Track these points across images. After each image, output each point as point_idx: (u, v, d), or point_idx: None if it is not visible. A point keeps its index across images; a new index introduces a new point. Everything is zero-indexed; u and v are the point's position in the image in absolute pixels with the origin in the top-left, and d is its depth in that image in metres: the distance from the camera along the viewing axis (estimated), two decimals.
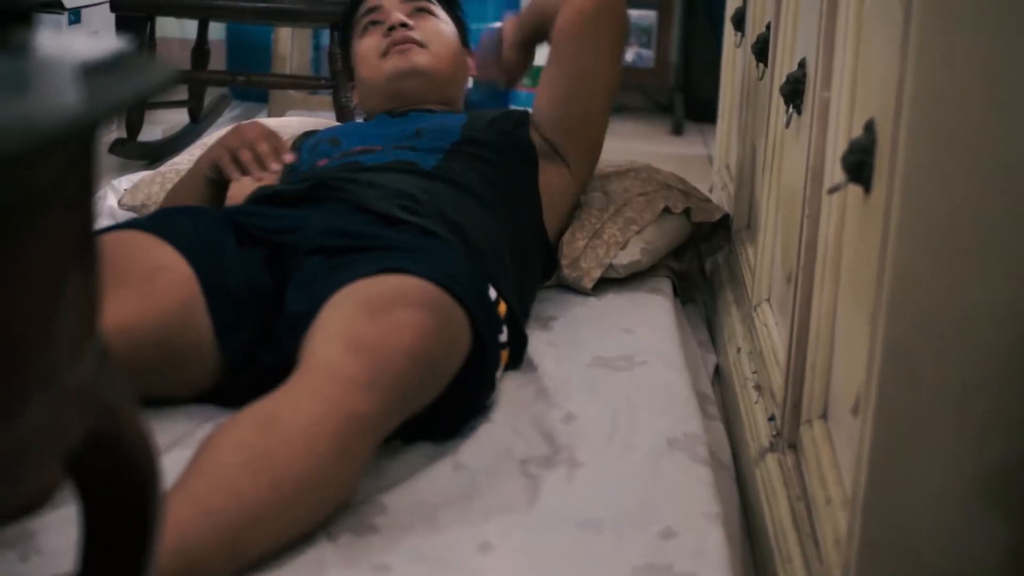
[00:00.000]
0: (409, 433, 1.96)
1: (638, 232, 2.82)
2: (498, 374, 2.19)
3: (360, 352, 1.79)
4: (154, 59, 0.98)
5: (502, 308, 2.23)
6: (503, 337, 2.21)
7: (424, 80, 2.73)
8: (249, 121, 2.48)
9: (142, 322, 1.97)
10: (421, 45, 2.73)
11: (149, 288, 2.01)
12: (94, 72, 0.86)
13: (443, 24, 2.82)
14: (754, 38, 2.67)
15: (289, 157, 2.33)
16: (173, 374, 2.06)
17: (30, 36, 0.85)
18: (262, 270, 2.15)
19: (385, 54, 2.72)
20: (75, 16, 4.35)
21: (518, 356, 2.32)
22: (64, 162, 0.88)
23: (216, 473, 1.64)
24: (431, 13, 2.80)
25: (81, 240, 0.97)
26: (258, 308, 2.11)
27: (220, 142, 2.39)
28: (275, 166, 2.30)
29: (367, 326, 1.85)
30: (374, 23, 2.78)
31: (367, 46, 2.76)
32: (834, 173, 1.72)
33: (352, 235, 2.17)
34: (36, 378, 0.91)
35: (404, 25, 2.73)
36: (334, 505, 1.75)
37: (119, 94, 0.85)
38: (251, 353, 2.08)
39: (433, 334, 1.89)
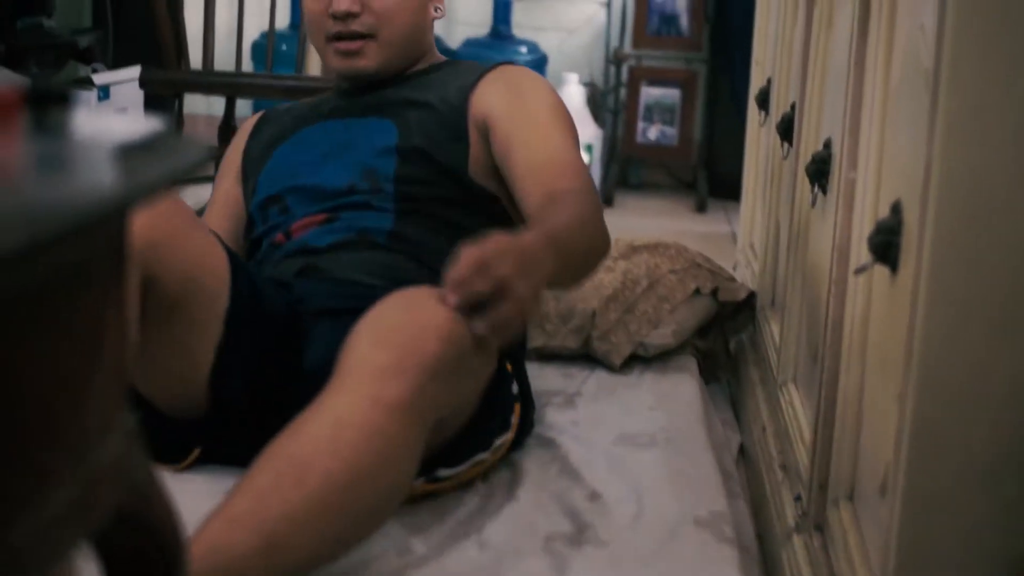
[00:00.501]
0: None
1: (670, 311, 2.83)
2: (513, 419, 2.18)
3: (388, 341, 1.74)
4: (188, 138, 0.99)
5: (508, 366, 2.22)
6: (514, 388, 2.21)
7: (373, 70, 2.42)
8: None
9: (177, 249, 2.00)
10: (368, 36, 2.39)
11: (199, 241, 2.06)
12: (130, 153, 0.87)
13: None
14: (779, 117, 2.68)
15: None
16: (182, 331, 2.05)
17: (68, 117, 0.86)
18: (285, 310, 2.16)
19: (329, 39, 2.40)
20: (104, 93, 4.39)
21: (529, 418, 2.30)
22: (99, 241, 0.89)
23: (244, 484, 1.63)
24: None
25: (114, 316, 0.98)
26: (271, 337, 2.12)
27: None
28: None
29: (397, 317, 1.79)
30: None
31: (310, 6, 2.41)
32: (860, 253, 1.73)
33: (355, 295, 2.13)
34: (68, 452, 0.91)
35: (350, 14, 2.36)
36: (380, 496, 1.70)
37: (155, 175, 0.86)
38: (241, 381, 2.08)
39: (464, 324, 1.81)
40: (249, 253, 2.38)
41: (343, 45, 2.38)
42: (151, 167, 0.88)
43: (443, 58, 2.55)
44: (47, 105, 0.85)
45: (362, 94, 2.46)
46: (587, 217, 2.08)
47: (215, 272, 2.06)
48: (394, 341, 1.74)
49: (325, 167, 2.38)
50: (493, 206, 2.37)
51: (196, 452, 2.12)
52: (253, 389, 2.08)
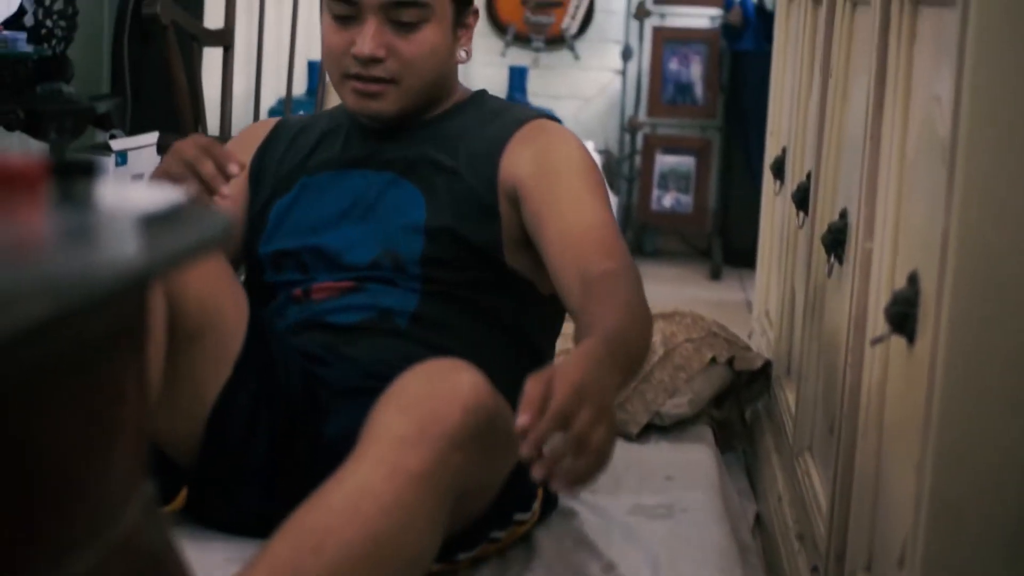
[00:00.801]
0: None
1: (686, 381, 2.83)
2: (535, 505, 2.17)
3: (411, 410, 1.72)
4: (209, 210, 1.00)
5: None
6: None
7: (391, 115, 2.24)
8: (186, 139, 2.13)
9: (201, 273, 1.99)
10: (390, 81, 2.20)
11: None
12: (153, 224, 0.88)
13: (429, 34, 2.20)
14: (794, 187, 2.69)
15: (235, 168, 2.02)
16: (205, 347, 2.02)
17: (92, 187, 0.87)
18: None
19: (347, 77, 2.22)
20: (122, 158, 4.41)
21: (552, 500, 2.28)
22: (121, 312, 0.89)
23: (263, 553, 1.61)
24: (422, 20, 2.19)
25: (134, 386, 0.98)
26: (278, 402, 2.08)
27: (158, 171, 2.08)
28: (224, 190, 2.02)
29: (421, 387, 1.76)
30: (342, 18, 2.21)
31: (331, 40, 2.23)
32: (877, 323, 1.73)
33: (377, 376, 2.05)
34: (86, 522, 0.91)
35: (374, 59, 2.18)
36: (401, 567, 1.67)
37: (177, 247, 0.87)
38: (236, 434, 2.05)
39: (491, 393, 1.79)
40: (258, 296, 2.28)
41: (362, 86, 2.20)
42: (174, 239, 0.89)
43: (467, 92, 2.36)
44: (72, 176, 0.86)
45: (381, 139, 2.28)
46: (635, 304, 1.95)
47: (234, 311, 2.05)
48: (417, 410, 1.72)
49: (346, 230, 2.25)
50: (525, 288, 2.25)
51: (184, 492, 2.09)
52: (249, 439, 2.06)
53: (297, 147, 2.36)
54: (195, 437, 2.06)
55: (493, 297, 2.22)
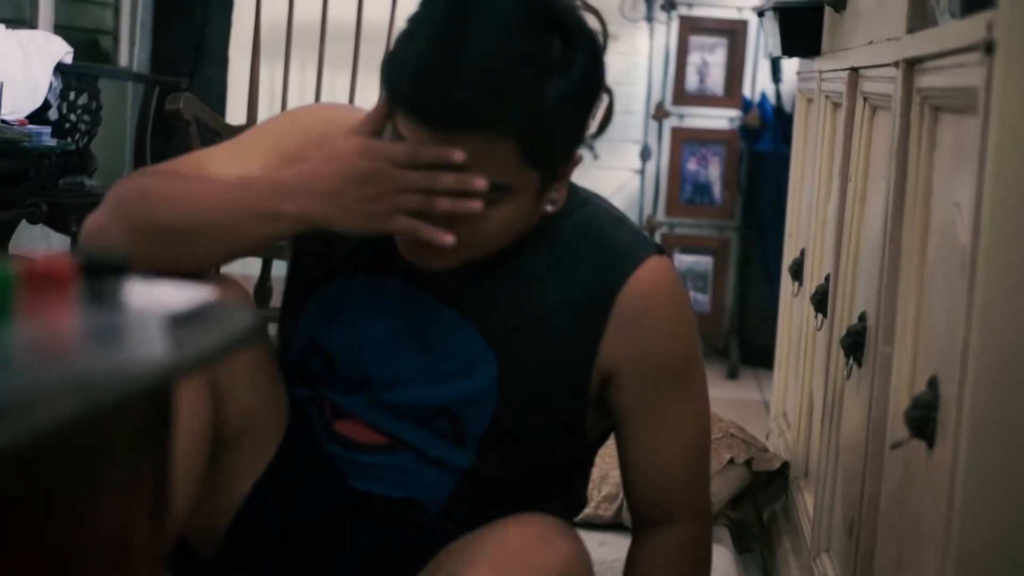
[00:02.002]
0: None
1: None
2: None
3: (506, 570, 1.71)
4: (235, 309, 1.00)
5: None
6: None
7: (450, 269, 1.79)
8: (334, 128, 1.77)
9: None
10: (456, 250, 1.71)
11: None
12: (180, 323, 0.89)
13: (506, 212, 1.71)
14: (812, 289, 2.70)
15: (481, 183, 1.64)
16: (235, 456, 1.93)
17: (120, 286, 0.88)
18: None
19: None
20: None
21: None
22: (147, 410, 0.90)
23: None
24: (498, 200, 1.69)
25: (157, 481, 0.98)
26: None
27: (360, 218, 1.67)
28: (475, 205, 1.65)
29: (520, 545, 1.73)
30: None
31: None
32: (896, 427, 1.73)
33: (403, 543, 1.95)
34: None
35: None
36: None
37: (204, 347, 0.88)
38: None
39: (587, 563, 1.79)
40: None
41: (420, 247, 1.73)
42: (201, 338, 0.90)
43: (547, 209, 1.82)
44: (101, 274, 0.87)
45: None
46: (698, 563, 1.96)
47: (274, 418, 1.96)
48: (513, 572, 1.71)
49: (397, 361, 1.89)
50: (582, 455, 2.01)
51: None
52: (273, 541, 2.02)
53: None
54: (220, 533, 2.02)
55: (552, 469, 1.96)
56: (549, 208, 1.79)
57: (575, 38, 1.67)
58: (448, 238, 1.64)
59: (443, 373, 1.86)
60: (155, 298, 0.90)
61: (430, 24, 1.66)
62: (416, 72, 1.64)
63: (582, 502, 2.11)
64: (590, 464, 2.06)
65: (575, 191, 1.89)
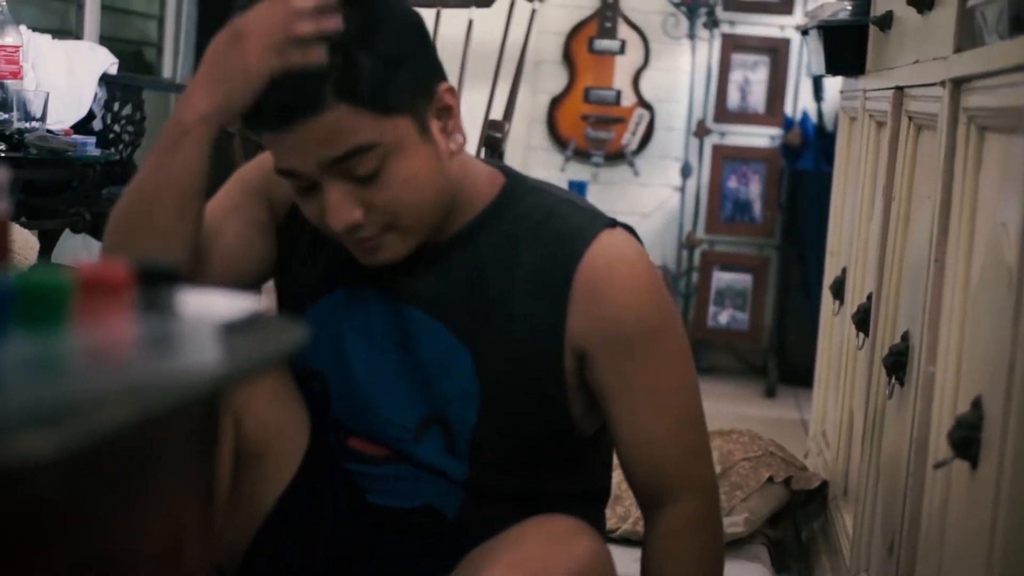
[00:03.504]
0: None
1: (743, 500, 2.81)
2: None
3: (522, 567, 1.70)
4: (284, 320, 1.01)
5: None
6: None
7: (403, 256, 1.81)
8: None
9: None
10: (387, 229, 1.77)
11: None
12: (232, 332, 0.90)
13: (398, 168, 1.74)
14: (854, 308, 2.69)
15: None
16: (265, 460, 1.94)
17: (174, 295, 0.89)
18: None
19: (339, 235, 1.79)
20: None
21: None
22: (198, 419, 0.90)
23: None
24: (382, 159, 1.72)
25: (204, 493, 0.99)
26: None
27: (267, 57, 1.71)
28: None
29: (536, 546, 1.72)
30: (301, 190, 1.78)
31: (305, 210, 1.81)
32: (939, 447, 1.72)
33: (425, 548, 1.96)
34: None
35: (355, 227, 1.75)
36: None
37: (255, 357, 0.88)
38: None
39: (607, 563, 1.78)
40: None
41: (359, 244, 1.78)
42: (251, 348, 0.90)
43: (491, 182, 1.89)
44: (155, 282, 0.88)
45: (407, 258, 1.83)
46: (706, 561, 1.89)
47: (294, 432, 1.96)
48: (529, 569, 1.70)
49: (381, 375, 1.91)
50: (586, 444, 1.95)
51: None
52: (296, 555, 2.01)
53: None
54: (241, 550, 2.02)
55: (553, 462, 1.93)
56: (453, 147, 1.80)
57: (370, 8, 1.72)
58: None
59: (425, 377, 1.88)
60: (207, 307, 0.91)
61: None
62: (254, 99, 1.72)
63: (604, 492, 2.06)
64: (599, 454, 2.00)
65: (522, 180, 1.91)
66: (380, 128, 1.71)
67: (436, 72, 1.80)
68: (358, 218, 1.73)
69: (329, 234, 1.79)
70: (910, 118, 2.28)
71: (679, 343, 1.87)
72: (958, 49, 1.85)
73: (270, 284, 2.03)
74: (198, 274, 1.85)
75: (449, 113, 1.80)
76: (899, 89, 2.38)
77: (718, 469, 2.84)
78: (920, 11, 2.17)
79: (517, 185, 1.90)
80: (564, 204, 1.88)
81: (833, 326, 3.38)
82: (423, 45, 1.80)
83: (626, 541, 2.80)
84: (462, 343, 1.85)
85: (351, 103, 1.69)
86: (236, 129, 3.89)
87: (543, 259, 1.83)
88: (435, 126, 1.77)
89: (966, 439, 1.47)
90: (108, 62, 4.07)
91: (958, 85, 1.80)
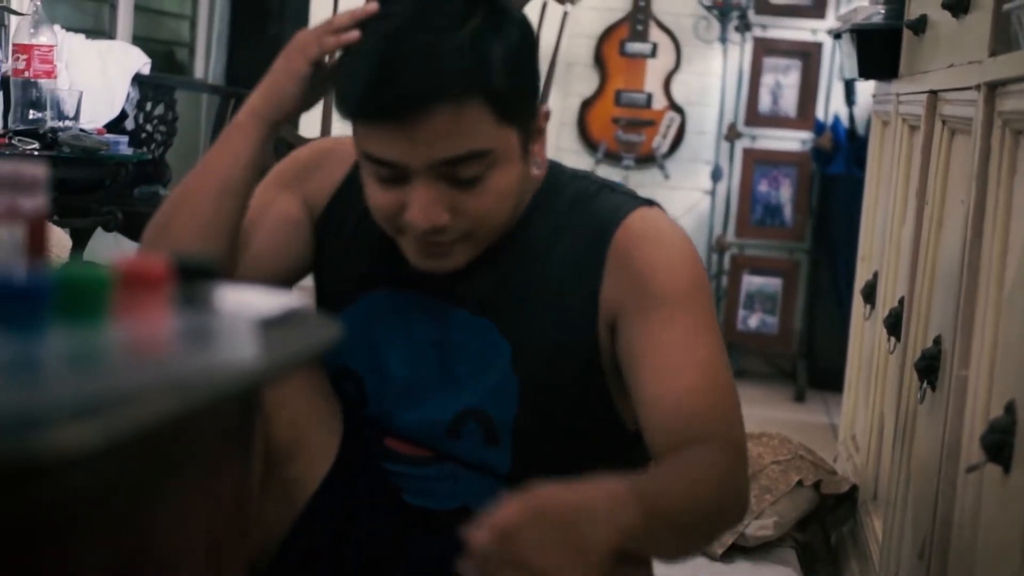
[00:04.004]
0: None
1: (772, 503, 2.81)
2: None
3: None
4: (320, 316, 1.02)
5: None
6: None
7: (462, 266, 1.80)
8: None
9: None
10: (461, 239, 1.76)
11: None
12: (269, 328, 0.90)
13: (498, 180, 1.73)
14: (886, 312, 2.69)
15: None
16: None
17: (212, 290, 0.89)
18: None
19: (403, 231, 1.76)
20: None
21: None
22: (235, 413, 0.91)
23: None
24: (487, 169, 1.71)
25: (240, 488, 0.99)
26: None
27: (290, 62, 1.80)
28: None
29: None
30: (386, 180, 1.73)
31: (377, 199, 1.76)
32: (971, 451, 1.72)
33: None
34: None
35: (438, 229, 1.73)
36: None
37: (291, 352, 0.89)
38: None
39: None
40: None
41: (425, 248, 1.76)
42: (288, 343, 0.91)
43: (536, 180, 1.86)
44: (193, 278, 0.88)
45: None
46: (709, 478, 1.67)
47: (326, 431, 1.93)
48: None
49: (418, 376, 1.90)
50: (626, 434, 1.90)
51: None
52: (329, 557, 2.00)
53: (368, 229, 1.87)
54: (273, 550, 1.98)
55: (596, 458, 1.79)
56: (535, 171, 1.81)
57: (498, 2, 1.71)
58: None
59: (462, 375, 1.87)
60: (245, 302, 0.91)
61: (362, 39, 1.74)
62: (360, 77, 1.69)
63: None
64: (644, 455, 1.86)
65: (563, 170, 1.91)
66: (497, 135, 1.69)
67: (539, 91, 1.81)
68: (445, 221, 1.70)
69: (387, 228, 1.77)
70: (944, 122, 2.27)
71: (707, 310, 1.82)
72: (993, 53, 1.85)
73: (306, 283, 2.02)
74: (233, 271, 1.85)
75: (540, 136, 1.80)
76: (933, 93, 2.37)
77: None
78: (955, 15, 2.17)
79: (559, 175, 1.89)
80: (604, 189, 1.88)
81: (864, 330, 3.37)
82: (536, 58, 1.80)
83: None
84: (505, 338, 1.85)
85: (483, 99, 1.67)
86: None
87: (581, 241, 1.83)
88: (531, 147, 1.78)
89: (999, 443, 1.47)
90: (141, 62, 4.09)
91: (993, 89, 1.79)
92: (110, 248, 4.59)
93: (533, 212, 1.86)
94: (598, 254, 1.81)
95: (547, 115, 1.80)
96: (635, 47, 5.72)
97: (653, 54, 5.71)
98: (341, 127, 1.79)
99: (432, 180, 1.68)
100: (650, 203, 1.86)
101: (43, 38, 3.47)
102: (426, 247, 1.75)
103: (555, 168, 1.90)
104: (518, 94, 1.72)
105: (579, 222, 1.84)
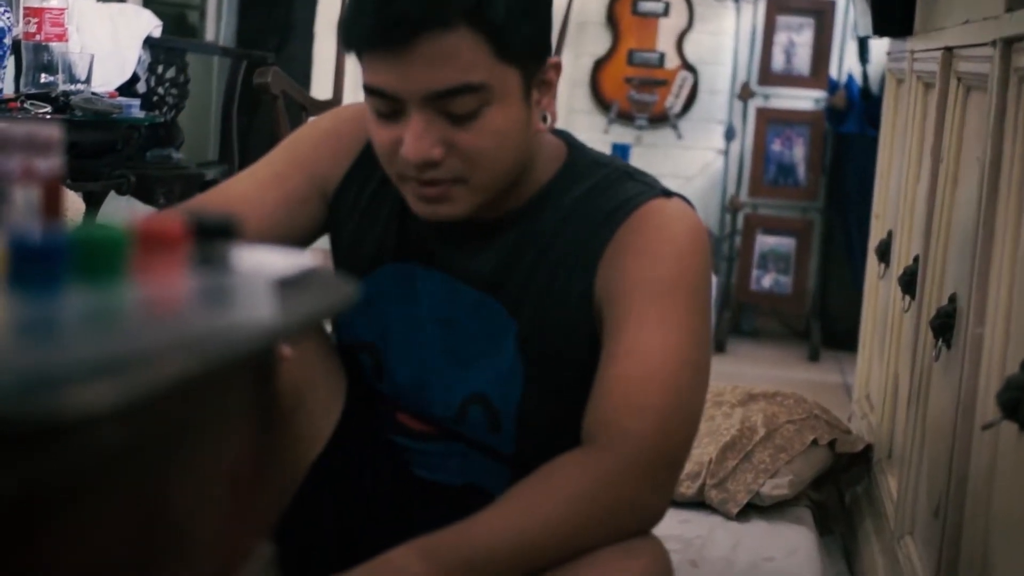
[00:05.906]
0: None
1: (787, 462, 2.81)
2: None
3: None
4: (336, 277, 1.01)
5: None
6: None
7: (463, 217, 1.76)
8: None
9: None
10: (457, 180, 1.72)
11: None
12: (285, 288, 0.90)
13: (494, 118, 1.69)
14: (900, 270, 2.68)
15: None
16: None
17: (229, 250, 0.89)
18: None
19: (403, 177, 1.74)
20: None
21: None
22: (253, 372, 0.91)
23: None
24: (481, 105, 1.68)
25: (258, 447, 1.00)
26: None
27: None
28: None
29: (591, 572, 1.66)
30: (385, 113, 1.71)
31: (378, 136, 1.74)
32: (987, 408, 1.72)
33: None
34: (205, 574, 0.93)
35: (428, 163, 1.70)
36: None
37: (307, 311, 0.89)
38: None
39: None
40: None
41: (422, 190, 1.73)
42: (304, 303, 0.91)
43: (557, 156, 1.86)
44: (211, 237, 0.88)
45: (460, 234, 1.84)
46: (572, 495, 1.65)
47: (329, 391, 1.93)
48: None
49: (425, 352, 1.89)
50: None
51: None
52: (334, 519, 1.97)
53: (383, 201, 1.90)
54: (279, 508, 1.98)
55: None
56: (543, 125, 1.77)
57: None
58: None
59: (467, 357, 1.86)
60: (262, 262, 0.91)
61: None
62: (359, 5, 1.68)
63: None
64: None
65: (584, 152, 1.88)
66: (493, 71, 1.66)
67: (550, 40, 1.77)
68: (437, 155, 1.68)
69: (391, 173, 1.75)
70: (959, 79, 2.26)
71: (687, 306, 1.75)
72: (1009, 8, 1.83)
73: (323, 243, 2.00)
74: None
75: (548, 88, 1.77)
76: (948, 50, 2.36)
77: (762, 432, 2.84)
78: None
79: (579, 158, 1.86)
80: (623, 176, 1.85)
81: (878, 289, 3.36)
82: (548, 6, 1.77)
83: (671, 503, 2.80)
84: (511, 316, 1.83)
85: (478, 30, 1.64)
86: (280, 91, 3.90)
87: (590, 228, 1.80)
88: (534, 94, 1.74)
89: (1014, 400, 1.46)
90: (152, 25, 4.08)
91: (1009, 45, 1.78)
92: (123, 211, 4.60)
93: (547, 194, 1.83)
94: (601, 241, 1.79)
95: (558, 67, 1.77)
96: (647, 6, 5.70)
97: (666, 13, 5.69)
98: (354, 91, 1.77)
99: (427, 113, 1.66)
100: (670, 194, 1.82)
101: (54, 1, 3.46)
102: (424, 189, 1.72)
103: (577, 152, 1.87)
104: (519, 32, 1.68)
105: (592, 209, 1.81)
